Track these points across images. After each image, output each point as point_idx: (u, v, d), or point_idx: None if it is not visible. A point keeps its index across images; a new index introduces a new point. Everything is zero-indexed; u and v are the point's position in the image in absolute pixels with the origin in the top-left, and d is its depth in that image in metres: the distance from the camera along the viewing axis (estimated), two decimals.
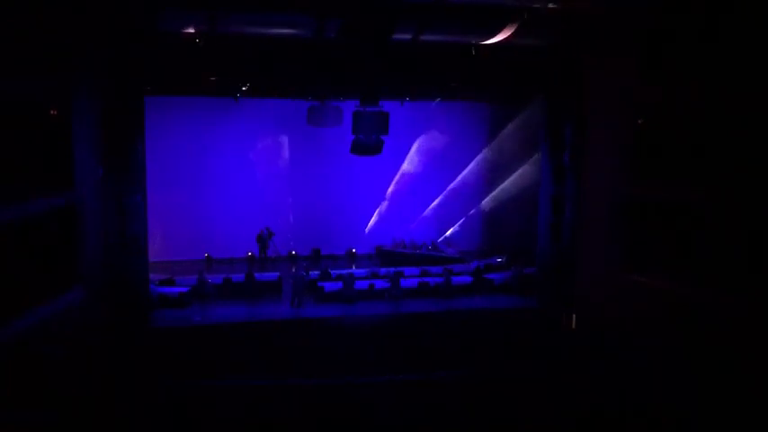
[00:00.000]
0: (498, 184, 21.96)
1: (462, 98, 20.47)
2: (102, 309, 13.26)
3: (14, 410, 9.32)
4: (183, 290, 16.38)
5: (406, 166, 22.87)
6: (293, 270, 18.67)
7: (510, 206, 21.21)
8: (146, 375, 12.52)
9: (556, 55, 15.40)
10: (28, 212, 10.40)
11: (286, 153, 21.74)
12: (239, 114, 19.38)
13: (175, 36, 13.75)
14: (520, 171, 20.72)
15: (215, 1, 12.71)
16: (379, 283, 17.41)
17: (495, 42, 14.43)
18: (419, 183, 22.92)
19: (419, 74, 15.76)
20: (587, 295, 15.37)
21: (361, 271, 18.96)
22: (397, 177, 22.95)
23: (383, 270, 18.75)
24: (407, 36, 14.02)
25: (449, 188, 23.06)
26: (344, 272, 18.45)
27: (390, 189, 23.03)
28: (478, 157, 22.65)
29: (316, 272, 18.14)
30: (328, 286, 17.19)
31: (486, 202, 22.73)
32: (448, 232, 23.37)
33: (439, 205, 23.23)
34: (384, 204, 23.10)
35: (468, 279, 18.19)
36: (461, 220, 23.32)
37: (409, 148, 22.73)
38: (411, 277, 18.20)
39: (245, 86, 16.96)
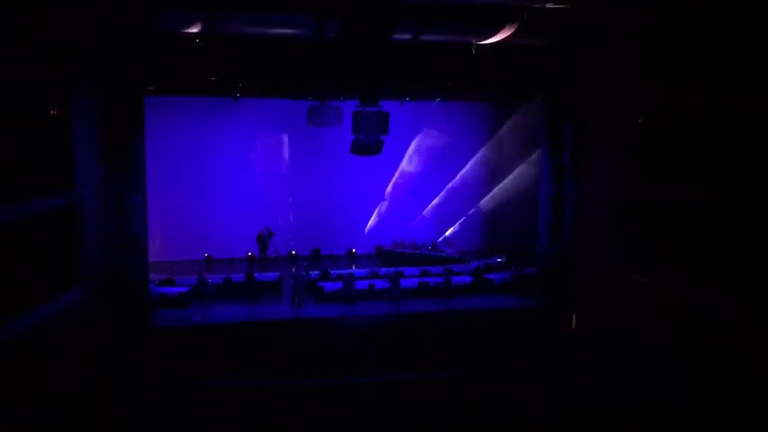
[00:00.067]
0: (498, 184, 21.97)
1: (462, 98, 20.46)
2: (102, 309, 13.26)
3: (14, 410, 9.32)
4: (183, 290, 16.39)
5: (406, 165, 22.87)
6: (293, 270, 18.68)
7: (510, 206, 21.21)
8: (146, 375, 12.52)
9: (556, 55, 15.40)
10: (28, 212, 10.41)
11: (286, 153, 21.74)
12: (239, 114, 19.37)
13: (175, 36, 13.75)
14: (520, 171, 20.72)
15: (215, 1, 12.71)
16: (379, 283, 17.41)
17: (495, 42, 14.43)
18: (419, 183, 22.93)
19: (419, 74, 15.75)
20: (587, 295, 15.37)
21: (361, 271, 18.96)
22: (396, 177, 22.95)
23: (383, 270, 18.75)
24: (407, 36, 14.02)
25: (449, 188, 23.07)
26: (344, 272, 18.45)
27: (390, 189, 23.02)
28: (478, 157, 22.65)
29: (316, 272, 18.15)
30: (328, 286, 17.19)
31: (486, 202, 22.72)
32: (448, 232, 23.38)
33: (439, 205, 23.24)
34: (384, 204, 23.10)
35: (468, 279, 18.19)
36: (461, 220, 23.32)
37: (409, 149, 22.74)
38: (411, 277, 18.20)
39: (245, 87, 16.96)
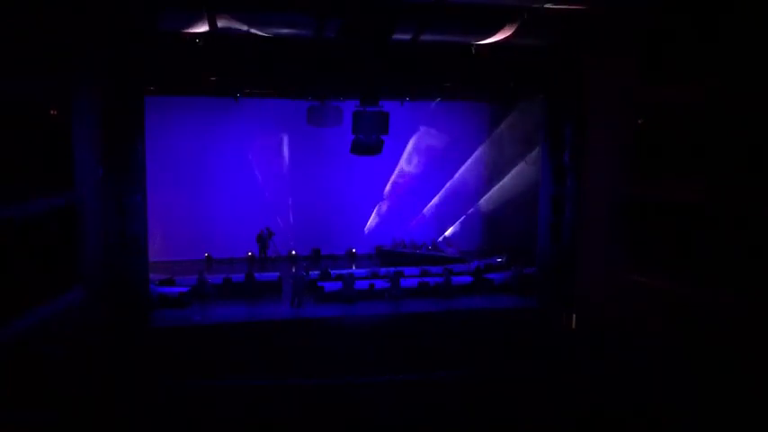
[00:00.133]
0: (498, 184, 21.97)
1: (462, 98, 20.46)
2: (102, 309, 13.26)
3: (14, 410, 9.32)
4: (183, 290, 16.38)
5: (406, 165, 22.87)
6: (293, 270, 18.67)
7: (510, 206, 21.22)
8: (146, 375, 12.52)
9: (556, 55, 15.41)
10: (28, 212, 10.41)
11: (286, 153, 21.74)
12: (239, 114, 19.36)
13: (175, 36, 13.76)
14: (520, 171, 20.72)
15: (215, 1, 12.71)
16: (379, 283, 17.40)
17: (495, 42, 14.44)
18: (419, 182, 22.93)
19: (419, 74, 15.74)
20: (587, 295, 15.37)
21: (361, 271, 18.95)
22: (396, 177, 22.95)
23: (383, 270, 18.74)
24: (407, 36, 14.03)
25: (449, 188, 23.06)
26: (344, 272, 18.44)
27: (390, 189, 23.03)
28: (479, 157, 22.65)
29: (316, 272, 18.14)
30: (328, 286, 17.19)
31: (486, 202, 22.73)
32: (448, 232, 23.37)
33: (439, 205, 23.24)
34: (384, 204, 23.10)
35: (468, 279, 18.19)
36: (461, 220, 23.32)
37: (409, 149, 22.74)
38: (411, 277, 18.19)
39: (245, 87, 16.98)
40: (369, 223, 23.03)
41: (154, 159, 15.78)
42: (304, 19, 13.33)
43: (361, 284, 17.26)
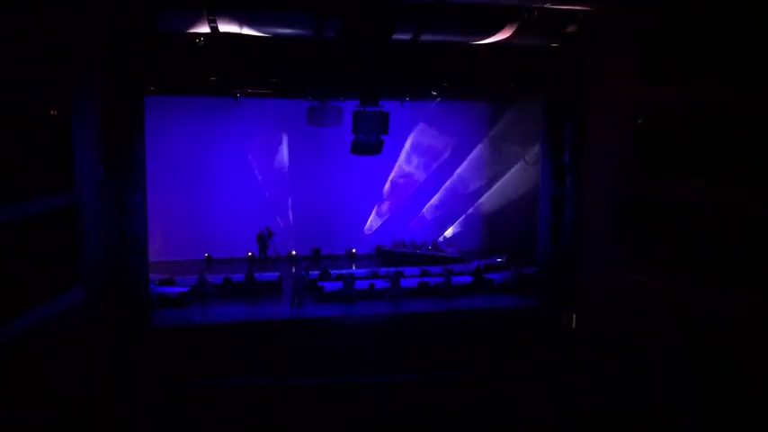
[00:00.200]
0: (498, 184, 21.96)
1: (462, 98, 20.47)
2: (102, 309, 13.25)
3: (14, 410, 9.32)
4: (183, 290, 16.38)
5: (405, 165, 22.87)
6: (293, 270, 18.67)
7: (510, 206, 21.21)
8: (146, 375, 12.52)
9: (556, 55, 15.40)
10: (28, 212, 10.41)
11: (286, 153, 21.74)
12: (239, 114, 19.37)
13: (175, 36, 13.76)
14: (520, 171, 20.72)
15: (215, 1, 12.71)
16: (379, 283, 17.40)
17: (495, 42, 14.43)
18: (419, 182, 22.93)
19: (419, 74, 15.75)
20: (587, 295, 15.37)
21: (362, 271, 18.96)
22: (396, 177, 22.94)
23: (383, 270, 18.74)
24: (407, 36, 14.02)
25: (449, 188, 23.07)
26: (344, 272, 18.45)
27: (389, 189, 23.02)
28: (479, 157, 22.65)
29: (316, 272, 18.14)
30: (328, 286, 17.19)
31: (486, 202, 22.73)
32: (448, 232, 23.38)
33: (439, 205, 23.24)
34: (384, 204, 23.10)
35: (468, 279, 18.19)
36: (461, 220, 23.33)
37: (409, 149, 22.75)
38: (411, 277, 18.20)
39: (245, 87, 16.98)
40: (369, 223, 23.04)
41: (154, 159, 15.78)
42: (304, 19, 13.33)
43: (361, 284, 17.25)
